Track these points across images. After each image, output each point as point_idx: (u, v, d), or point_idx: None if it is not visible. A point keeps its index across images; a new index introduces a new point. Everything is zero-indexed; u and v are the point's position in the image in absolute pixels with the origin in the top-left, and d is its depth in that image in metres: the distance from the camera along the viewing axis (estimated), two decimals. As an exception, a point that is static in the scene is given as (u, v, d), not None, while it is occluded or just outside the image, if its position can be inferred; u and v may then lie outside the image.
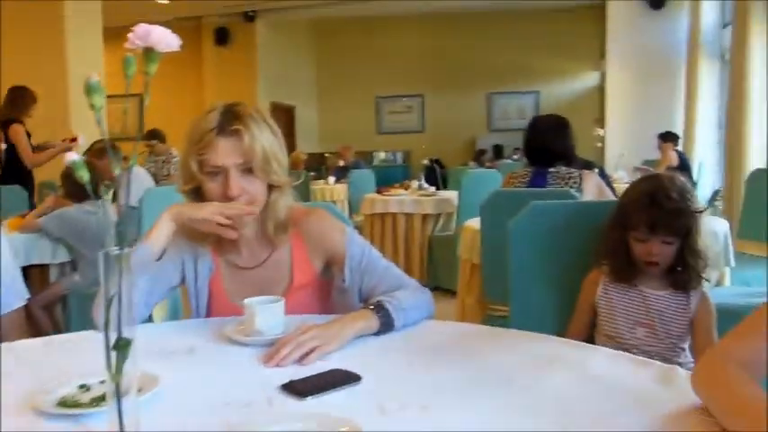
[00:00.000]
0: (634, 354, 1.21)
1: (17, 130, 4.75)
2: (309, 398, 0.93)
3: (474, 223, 2.95)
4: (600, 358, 1.09)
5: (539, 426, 0.83)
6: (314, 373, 1.01)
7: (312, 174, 8.32)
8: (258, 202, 1.37)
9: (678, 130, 7.15)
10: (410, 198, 5.44)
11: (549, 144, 2.68)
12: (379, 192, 5.85)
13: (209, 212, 1.31)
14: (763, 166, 4.37)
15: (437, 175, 9.49)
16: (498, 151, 10.67)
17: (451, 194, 5.41)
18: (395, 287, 1.37)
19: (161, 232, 1.33)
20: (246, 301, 1.24)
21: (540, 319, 1.69)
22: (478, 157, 10.46)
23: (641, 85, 8.17)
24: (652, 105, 8.05)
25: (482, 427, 0.83)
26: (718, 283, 3.13)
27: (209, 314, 1.47)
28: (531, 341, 1.18)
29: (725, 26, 6.39)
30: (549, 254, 1.71)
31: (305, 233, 1.45)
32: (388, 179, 7.65)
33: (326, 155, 10.62)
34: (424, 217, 5.28)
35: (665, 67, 8.01)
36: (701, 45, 6.92)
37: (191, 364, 1.12)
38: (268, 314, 1.22)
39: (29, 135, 4.84)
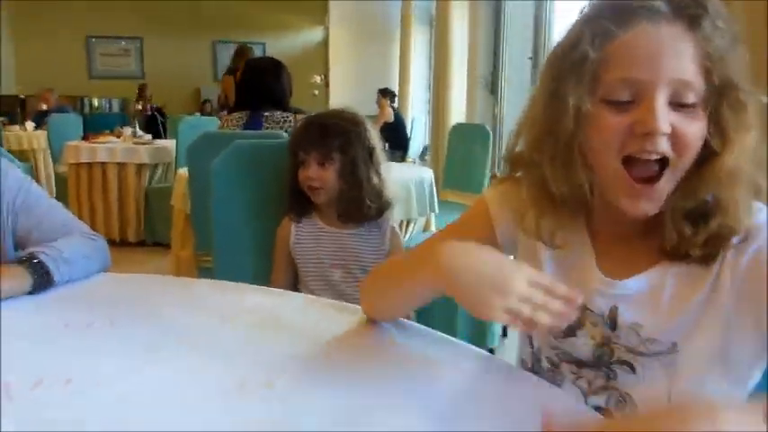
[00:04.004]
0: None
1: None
2: None
3: (186, 171, 2.72)
4: (295, 305, 1.01)
5: (211, 381, 0.71)
6: None
7: (3, 119, 7.12)
8: None
9: (395, 89, 7.60)
10: (122, 146, 4.92)
11: (264, 86, 2.55)
12: (85, 139, 5.20)
13: None
14: (463, 121, 4.82)
15: (159, 124, 8.83)
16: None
17: (169, 143, 5.02)
18: (57, 233, 1.13)
19: None
20: None
21: (246, 266, 1.58)
22: (203, 106, 9.98)
23: (362, 45, 8.49)
24: (372, 64, 8.42)
25: (154, 392, 0.68)
26: (425, 229, 3.38)
27: None
28: (223, 291, 1.05)
29: (432, -4, 6.85)
30: (254, 197, 1.59)
31: None
32: (100, 127, 6.86)
33: (23, 97, 9.19)
34: (140, 167, 4.85)
35: (383, 29, 8.40)
36: (413, 12, 7.37)
37: None
38: None
39: None
